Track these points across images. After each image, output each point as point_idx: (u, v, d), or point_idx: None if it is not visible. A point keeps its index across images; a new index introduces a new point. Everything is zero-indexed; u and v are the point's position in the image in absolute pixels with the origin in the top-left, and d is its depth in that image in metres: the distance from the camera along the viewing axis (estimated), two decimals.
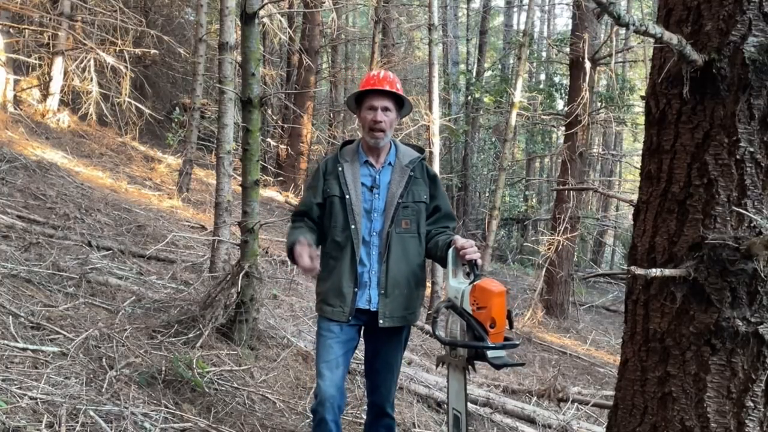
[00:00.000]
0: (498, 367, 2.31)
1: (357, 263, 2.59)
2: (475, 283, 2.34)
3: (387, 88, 2.60)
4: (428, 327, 6.53)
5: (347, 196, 2.61)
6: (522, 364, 2.73)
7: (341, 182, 2.63)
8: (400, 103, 2.69)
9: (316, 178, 2.72)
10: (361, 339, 2.79)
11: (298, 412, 3.59)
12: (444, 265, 2.59)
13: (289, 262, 6.69)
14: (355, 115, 2.86)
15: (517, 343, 2.39)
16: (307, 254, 2.48)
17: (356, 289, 2.60)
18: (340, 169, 2.66)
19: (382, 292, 2.60)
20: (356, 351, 3.04)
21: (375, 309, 2.61)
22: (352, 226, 2.59)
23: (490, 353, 2.26)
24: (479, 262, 2.46)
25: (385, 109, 2.61)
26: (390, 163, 2.69)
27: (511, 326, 2.38)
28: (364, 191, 2.65)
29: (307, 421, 3.49)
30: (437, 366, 2.62)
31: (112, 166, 9.54)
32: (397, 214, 2.61)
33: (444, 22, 16.64)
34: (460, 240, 2.49)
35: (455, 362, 2.45)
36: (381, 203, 2.64)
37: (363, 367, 3.17)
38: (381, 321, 2.59)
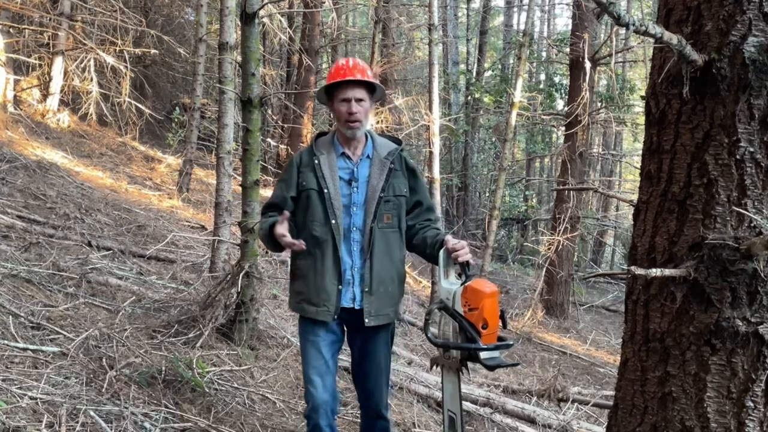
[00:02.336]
0: (491, 368, 2.30)
1: (339, 260, 2.52)
2: (466, 284, 2.32)
3: (358, 77, 2.51)
4: None
5: (326, 190, 2.52)
6: (516, 364, 2.72)
7: (318, 175, 2.54)
8: (372, 89, 2.59)
9: (290, 171, 2.62)
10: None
11: (298, 412, 3.59)
12: (435, 262, 2.56)
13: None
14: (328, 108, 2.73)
15: (511, 343, 2.38)
16: (287, 232, 2.40)
17: (340, 287, 2.53)
18: (316, 161, 2.57)
19: (366, 289, 2.53)
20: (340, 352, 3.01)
21: (359, 307, 2.54)
22: (333, 221, 2.51)
23: (482, 354, 2.24)
24: (471, 263, 2.43)
25: (359, 100, 2.52)
26: (368, 156, 2.61)
27: (504, 326, 2.37)
28: (342, 185, 2.56)
29: None
30: (431, 367, 2.60)
31: (112, 166, 9.54)
32: (379, 209, 2.54)
33: (444, 22, 16.64)
34: (451, 241, 2.45)
35: (449, 364, 2.44)
36: (360, 197, 2.56)
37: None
38: (367, 320, 2.52)
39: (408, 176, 2.65)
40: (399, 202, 2.60)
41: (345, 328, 2.67)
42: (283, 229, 2.41)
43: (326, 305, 2.52)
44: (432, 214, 2.72)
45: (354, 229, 2.55)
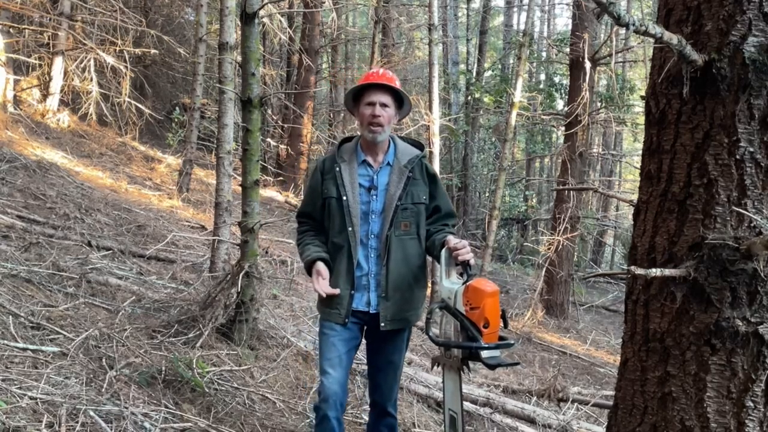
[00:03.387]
0: (492, 367, 2.31)
1: (354, 266, 2.58)
2: (467, 283, 2.34)
3: (386, 83, 2.58)
4: None
5: (344, 198, 2.58)
6: (517, 363, 2.73)
7: (338, 183, 2.60)
8: (399, 101, 2.66)
9: (315, 179, 2.70)
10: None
11: (298, 412, 3.59)
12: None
13: (291, 264, 6.69)
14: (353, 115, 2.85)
15: (512, 342, 2.39)
16: (323, 279, 2.53)
17: (352, 292, 2.59)
18: (337, 169, 2.62)
19: (383, 295, 2.58)
20: (357, 351, 3.04)
21: (375, 311, 2.60)
22: (350, 228, 2.57)
23: (484, 353, 2.26)
24: (472, 262, 2.45)
25: (383, 105, 2.57)
26: (389, 164, 2.66)
27: (505, 326, 2.38)
28: (362, 192, 2.61)
29: (307, 420, 3.49)
30: (432, 367, 2.62)
31: (112, 166, 9.54)
32: (396, 217, 2.58)
33: (444, 22, 16.64)
34: (452, 240, 2.47)
35: (450, 363, 2.45)
36: (379, 205, 2.61)
37: (363, 368, 3.17)
38: (382, 324, 2.58)
39: (428, 183, 2.68)
40: (417, 210, 2.63)
41: (364, 329, 2.72)
42: (322, 269, 2.55)
43: (338, 308, 2.60)
44: (450, 219, 2.75)
45: (371, 236, 2.60)
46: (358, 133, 2.73)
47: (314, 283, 2.56)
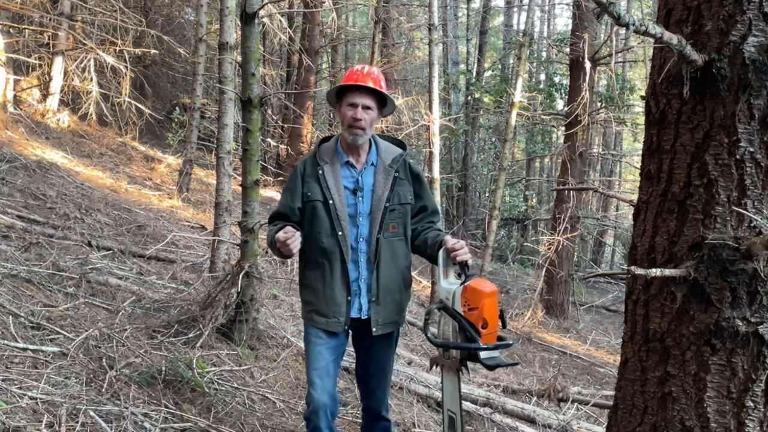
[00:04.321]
0: (491, 367, 2.30)
1: (348, 271, 2.51)
2: (466, 284, 2.33)
3: (370, 84, 2.49)
4: None
5: (331, 201, 2.50)
6: (516, 364, 2.72)
7: (323, 186, 2.52)
8: (383, 101, 2.58)
9: (294, 181, 2.59)
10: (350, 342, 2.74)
11: (298, 412, 3.59)
12: (436, 263, 2.56)
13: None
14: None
15: (510, 343, 2.38)
16: (287, 234, 2.35)
17: (349, 298, 2.52)
18: (320, 171, 2.54)
19: (374, 299, 2.53)
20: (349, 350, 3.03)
21: (366, 317, 2.55)
22: (339, 233, 2.49)
23: (482, 354, 2.25)
24: (470, 263, 2.43)
25: (366, 108, 2.50)
26: (372, 164, 2.59)
27: (504, 326, 2.37)
28: (347, 195, 2.53)
29: None
30: (431, 367, 2.60)
31: (112, 166, 9.54)
32: (385, 219, 2.52)
33: (444, 22, 16.64)
34: (450, 241, 2.44)
35: (448, 363, 2.44)
36: (366, 207, 2.54)
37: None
38: (374, 329, 2.54)
39: (413, 182, 2.64)
40: (404, 210, 2.59)
41: (350, 334, 2.68)
42: (284, 232, 2.38)
43: (336, 316, 2.52)
44: (435, 217, 2.72)
45: (360, 240, 2.54)
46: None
47: (281, 235, 2.36)
